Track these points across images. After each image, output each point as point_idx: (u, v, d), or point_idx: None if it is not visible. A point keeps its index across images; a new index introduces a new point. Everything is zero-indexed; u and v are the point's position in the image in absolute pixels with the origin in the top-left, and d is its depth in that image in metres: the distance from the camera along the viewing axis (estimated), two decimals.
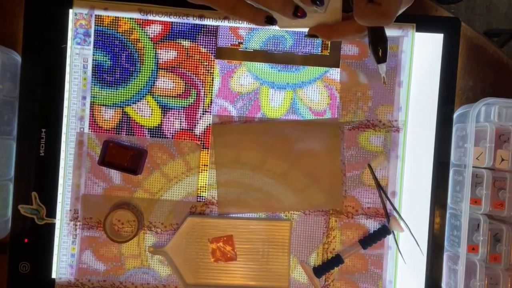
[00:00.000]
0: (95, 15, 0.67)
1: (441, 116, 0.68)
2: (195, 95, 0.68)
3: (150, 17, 0.67)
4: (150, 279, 0.69)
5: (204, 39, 0.68)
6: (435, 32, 0.68)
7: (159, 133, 0.68)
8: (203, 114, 0.69)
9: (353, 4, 0.48)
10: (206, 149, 0.69)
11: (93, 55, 0.68)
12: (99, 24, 0.67)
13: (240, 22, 0.68)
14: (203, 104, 0.69)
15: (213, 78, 0.69)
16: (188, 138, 0.69)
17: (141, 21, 0.68)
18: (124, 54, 0.68)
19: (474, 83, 0.70)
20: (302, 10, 0.50)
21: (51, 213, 0.68)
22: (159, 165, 0.68)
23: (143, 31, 0.68)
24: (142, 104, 0.68)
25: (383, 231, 0.68)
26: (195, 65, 0.68)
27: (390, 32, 0.68)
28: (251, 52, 0.68)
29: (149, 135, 0.68)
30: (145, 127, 0.68)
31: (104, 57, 0.68)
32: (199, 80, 0.68)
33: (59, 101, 0.68)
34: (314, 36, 0.52)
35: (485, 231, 0.64)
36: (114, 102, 0.68)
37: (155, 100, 0.68)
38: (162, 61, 0.68)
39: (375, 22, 0.47)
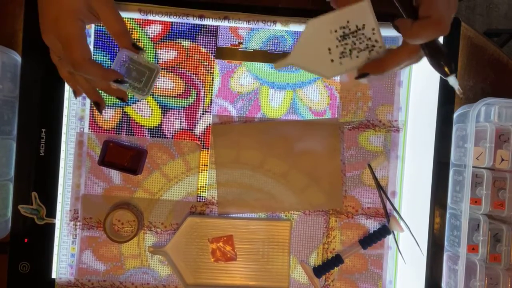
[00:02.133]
0: None
1: (441, 116, 0.68)
2: (195, 95, 0.68)
3: (150, 17, 0.67)
4: (150, 279, 0.69)
5: (204, 39, 0.68)
6: None
7: (159, 133, 0.68)
8: (203, 114, 0.69)
9: (399, 29, 0.46)
10: (206, 149, 0.69)
11: (93, 55, 0.68)
12: (99, 24, 0.67)
13: (240, 22, 0.68)
14: (203, 104, 0.69)
15: (213, 78, 0.69)
16: (188, 138, 0.69)
17: (141, 21, 0.68)
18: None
19: (474, 83, 0.70)
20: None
21: (51, 213, 0.68)
22: (159, 165, 0.68)
23: (143, 31, 0.68)
24: (142, 104, 0.68)
25: (383, 231, 0.68)
26: (195, 65, 0.68)
27: (390, 32, 0.68)
28: (251, 52, 0.68)
29: (149, 135, 0.68)
30: (145, 127, 0.68)
31: (104, 57, 0.68)
32: (199, 80, 0.68)
33: (59, 101, 0.68)
34: (366, 75, 0.50)
35: (485, 231, 0.64)
36: (114, 102, 0.68)
37: (155, 100, 0.68)
38: (162, 61, 0.68)
39: (430, 36, 0.45)
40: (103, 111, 0.61)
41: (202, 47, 0.68)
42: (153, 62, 0.67)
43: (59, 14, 0.53)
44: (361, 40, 0.50)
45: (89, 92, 0.59)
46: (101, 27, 0.68)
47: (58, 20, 0.53)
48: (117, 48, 0.68)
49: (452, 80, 0.47)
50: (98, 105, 0.60)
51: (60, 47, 0.54)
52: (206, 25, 0.68)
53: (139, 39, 0.68)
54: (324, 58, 0.51)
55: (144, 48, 0.68)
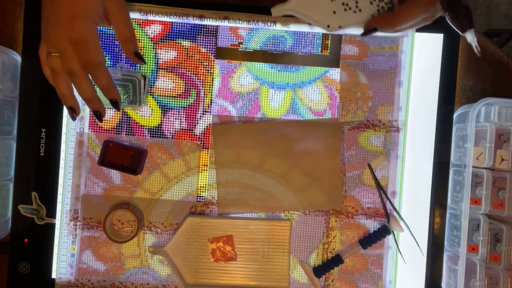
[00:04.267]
0: None
1: (441, 116, 0.68)
2: (195, 95, 0.68)
3: (150, 17, 0.67)
4: (150, 279, 0.69)
5: (204, 39, 0.68)
6: (435, 32, 0.68)
7: (159, 133, 0.68)
8: (203, 114, 0.69)
9: None
10: (206, 149, 0.69)
11: None
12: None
13: (240, 22, 0.68)
14: (203, 104, 0.69)
15: (213, 78, 0.69)
16: (188, 138, 0.69)
17: (141, 21, 0.68)
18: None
19: (474, 83, 0.70)
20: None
21: (51, 213, 0.68)
22: (159, 165, 0.68)
23: (143, 31, 0.68)
24: None
25: (383, 231, 0.68)
26: (195, 65, 0.68)
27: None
28: (251, 52, 0.68)
29: (149, 135, 0.68)
30: (145, 127, 0.68)
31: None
32: (199, 80, 0.68)
33: (59, 101, 0.67)
34: (373, 30, 0.47)
35: (485, 231, 0.64)
36: None
37: (155, 100, 0.68)
38: (162, 61, 0.68)
39: None
40: (76, 118, 0.60)
41: (202, 47, 0.68)
42: (137, 69, 0.67)
43: (76, 14, 0.53)
44: None
45: (68, 96, 0.57)
46: (101, 27, 0.68)
47: (75, 20, 0.53)
48: (117, 48, 0.68)
49: (470, 36, 0.44)
50: (73, 111, 0.58)
51: (67, 48, 0.53)
52: (206, 25, 0.68)
53: (139, 39, 0.68)
54: (326, 8, 0.48)
55: (144, 48, 0.68)
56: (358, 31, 0.51)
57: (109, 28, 0.68)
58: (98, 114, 0.57)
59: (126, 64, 0.68)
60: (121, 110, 0.68)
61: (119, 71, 0.64)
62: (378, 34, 0.66)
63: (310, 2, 0.48)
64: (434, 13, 0.46)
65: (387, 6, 0.47)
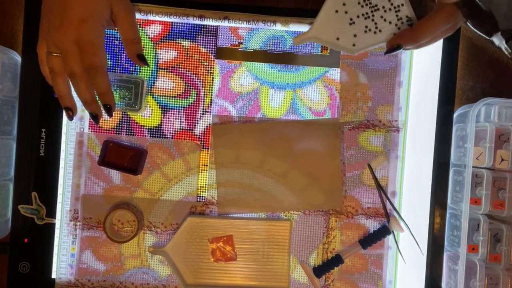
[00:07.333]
0: None
1: (441, 116, 0.68)
2: (195, 95, 0.68)
3: (150, 17, 0.67)
4: (150, 279, 0.69)
5: (204, 39, 0.68)
6: None
7: (159, 133, 0.68)
8: (203, 114, 0.69)
9: None
10: (206, 149, 0.69)
11: None
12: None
13: (240, 22, 0.68)
14: (203, 104, 0.69)
15: (213, 78, 0.69)
16: (188, 138, 0.69)
17: (141, 21, 0.68)
18: (124, 54, 0.68)
19: (474, 83, 0.70)
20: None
21: (51, 213, 0.68)
22: (159, 165, 0.68)
23: (143, 31, 0.68)
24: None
25: (383, 231, 0.68)
26: (195, 65, 0.68)
27: None
28: (251, 52, 0.68)
29: (149, 135, 0.68)
30: (145, 127, 0.68)
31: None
32: (199, 80, 0.68)
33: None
34: (397, 48, 0.47)
35: (485, 231, 0.64)
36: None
37: (155, 100, 0.68)
38: (162, 61, 0.68)
39: None
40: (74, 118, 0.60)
41: (202, 47, 0.68)
42: (137, 74, 0.68)
43: (85, 17, 0.53)
44: (388, 13, 0.47)
45: (66, 96, 0.57)
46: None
47: (85, 23, 0.53)
48: (117, 48, 0.68)
49: (497, 40, 0.44)
50: (70, 110, 0.58)
51: (72, 49, 0.53)
52: (206, 25, 0.68)
53: None
54: (346, 32, 0.48)
55: (144, 48, 0.68)
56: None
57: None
58: (95, 116, 0.58)
59: (127, 64, 0.68)
60: (117, 114, 0.68)
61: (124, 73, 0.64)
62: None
63: (330, 28, 0.49)
64: (456, 23, 0.46)
65: (407, 23, 0.48)
